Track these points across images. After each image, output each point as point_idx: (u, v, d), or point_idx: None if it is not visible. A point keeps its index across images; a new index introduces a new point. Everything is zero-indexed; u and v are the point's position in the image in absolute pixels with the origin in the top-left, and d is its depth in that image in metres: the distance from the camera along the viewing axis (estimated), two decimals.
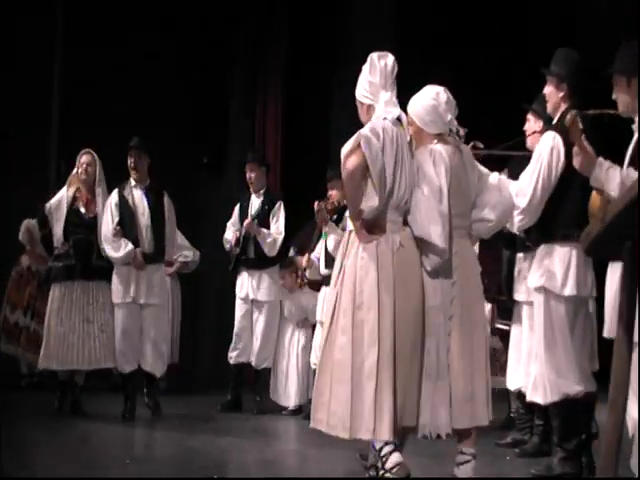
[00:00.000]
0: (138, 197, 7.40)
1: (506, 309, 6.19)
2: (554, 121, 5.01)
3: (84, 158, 7.36)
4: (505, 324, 6.51)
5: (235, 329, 8.13)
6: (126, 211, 7.32)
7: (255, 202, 8.16)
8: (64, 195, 7.34)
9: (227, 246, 8.13)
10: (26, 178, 9.25)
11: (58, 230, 7.25)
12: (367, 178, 4.31)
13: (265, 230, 7.96)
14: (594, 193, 4.32)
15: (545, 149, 4.80)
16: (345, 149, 4.30)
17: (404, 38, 10.13)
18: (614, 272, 4.02)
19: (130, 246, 7.20)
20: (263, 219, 8.02)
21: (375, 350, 4.20)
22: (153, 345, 7.37)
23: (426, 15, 10.21)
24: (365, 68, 4.47)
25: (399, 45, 10.41)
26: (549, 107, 5.10)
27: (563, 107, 4.97)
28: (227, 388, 8.08)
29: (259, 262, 8.02)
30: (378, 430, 4.21)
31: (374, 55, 4.44)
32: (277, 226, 8.04)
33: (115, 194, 7.37)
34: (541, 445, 5.74)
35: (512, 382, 5.92)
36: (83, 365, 7.14)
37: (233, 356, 8.09)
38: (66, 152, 9.38)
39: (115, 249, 7.19)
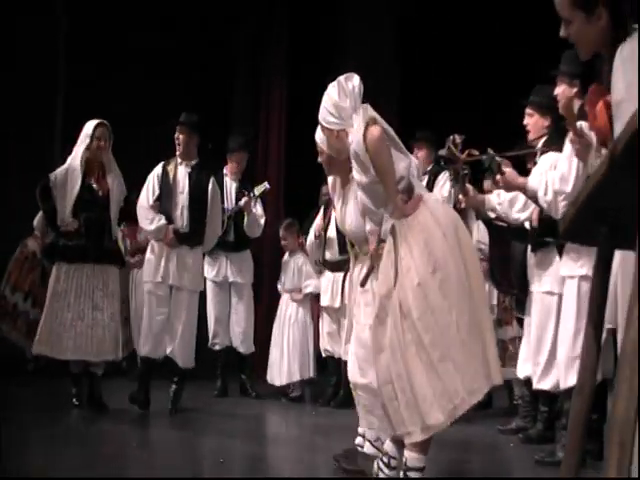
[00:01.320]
0: (181, 174, 7.00)
1: (520, 303, 6.17)
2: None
3: (100, 131, 6.81)
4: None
5: (213, 314, 8.07)
6: (165, 186, 6.96)
7: (230, 186, 8.15)
8: (72, 168, 6.77)
9: None
10: (29, 177, 9.15)
11: (66, 205, 6.69)
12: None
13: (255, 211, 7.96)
14: None
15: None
16: (358, 133, 4.13)
17: (403, 37, 10.13)
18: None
19: (163, 221, 6.83)
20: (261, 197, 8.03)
21: (466, 304, 3.92)
22: (180, 333, 6.86)
23: (426, 14, 10.13)
24: (332, 93, 4.30)
25: (398, 45, 10.51)
26: (561, 106, 5.08)
27: (577, 104, 4.98)
28: (212, 374, 8.02)
29: (239, 244, 8.02)
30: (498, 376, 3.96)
31: (341, 78, 4.30)
32: (257, 208, 8.01)
33: (159, 167, 7.04)
34: (545, 431, 5.76)
35: (522, 370, 5.92)
36: (90, 356, 6.65)
37: (218, 342, 8.08)
38: (70, 149, 9.50)
39: (148, 221, 6.86)
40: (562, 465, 2.26)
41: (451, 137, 5.23)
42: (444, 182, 7.02)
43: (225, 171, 8.20)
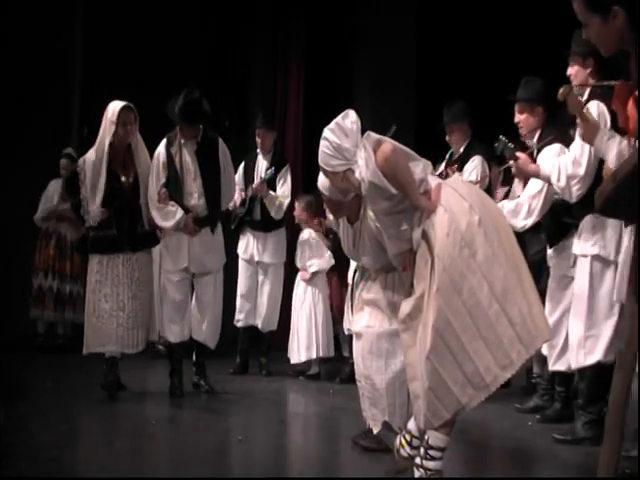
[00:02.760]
0: (188, 158, 6.61)
1: None
2: (584, 98, 4.98)
3: (125, 115, 6.45)
4: None
5: (240, 291, 8.10)
6: (173, 173, 6.57)
7: (262, 164, 8.13)
8: (97, 158, 6.44)
9: (230, 205, 7.71)
10: (49, 146, 9.32)
11: (95, 196, 6.41)
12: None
13: (273, 193, 7.94)
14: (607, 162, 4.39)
15: (593, 116, 4.78)
16: (370, 163, 4.05)
17: (422, 24, 10.10)
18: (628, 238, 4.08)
19: (180, 213, 6.51)
20: (270, 181, 7.97)
21: (502, 270, 3.88)
22: (208, 315, 6.79)
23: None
24: (331, 137, 4.18)
25: (417, 29, 10.46)
26: (561, 94, 5.07)
27: (591, 82, 5.00)
28: (234, 351, 8.08)
29: (265, 224, 8.01)
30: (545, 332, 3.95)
31: (338, 120, 4.19)
32: (283, 190, 8.02)
33: (163, 151, 6.59)
34: (563, 410, 5.78)
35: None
36: (129, 348, 6.49)
37: (241, 319, 8.09)
38: (89, 117, 9.48)
39: (164, 217, 6.49)
40: (604, 442, 2.26)
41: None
42: (472, 170, 6.93)
43: (258, 150, 8.21)
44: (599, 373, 4.93)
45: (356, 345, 4.82)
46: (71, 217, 8.48)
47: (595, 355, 4.96)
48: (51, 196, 9.17)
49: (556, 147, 5.62)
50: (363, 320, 4.76)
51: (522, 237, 5.68)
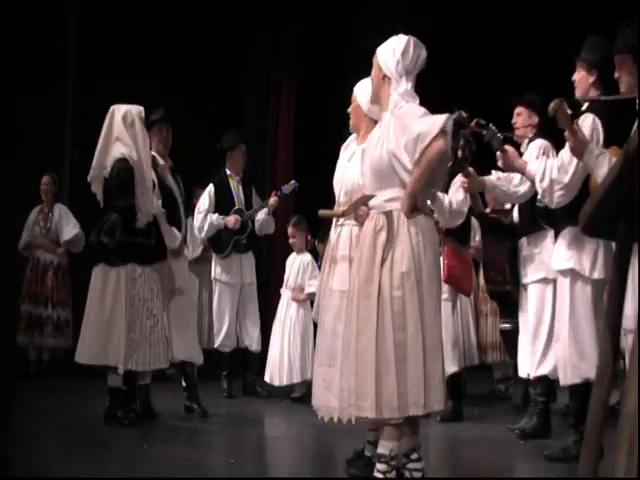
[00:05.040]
0: (170, 180, 6.64)
1: (508, 306, 6.21)
2: (584, 107, 5.01)
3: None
4: (507, 322, 6.55)
5: (227, 315, 7.99)
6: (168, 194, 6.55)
7: (237, 186, 8.09)
8: (139, 156, 6.14)
9: (209, 232, 7.88)
10: (41, 164, 9.30)
11: (147, 200, 6.06)
12: None
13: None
14: (593, 176, 4.42)
15: (586, 129, 4.81)
16: (433, 129, 3.95)
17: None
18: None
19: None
20: (249, 201, 8.01)
21: (439, 324, 4.05)
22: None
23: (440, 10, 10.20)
24: (399, 44, 4.16)
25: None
26: (578, 93, 5.13)
27: (593, 93, 5.02)
28: (210, 375, 7.93)
29: (249, 245, 8.03)
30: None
31: (412, 40, 4.18)
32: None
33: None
34: (540, 425, 5.78)
35: (523, 369, 5.95)
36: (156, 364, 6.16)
37: (228, 344, 8.02)
38: (80, 139, 9.51)
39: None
40: (581, 459, 2.28)
41: (457, 112, 5.28)
42: (459, 185, 6.93)
43: (228, 172, 8.09)
44: (588, 391, 4.91)
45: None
46: (46, 243, 8.83)
47: (583, 372, 4.94)
48: (32, 225, 9.11)
49: (542, 142, 5.65)
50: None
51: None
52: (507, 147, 5.16)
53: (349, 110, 4.87)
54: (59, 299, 8.99)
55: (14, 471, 4.26)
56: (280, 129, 10.43)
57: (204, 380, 7.23)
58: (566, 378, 5.03)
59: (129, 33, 9.72)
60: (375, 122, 4.46)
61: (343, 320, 4.38)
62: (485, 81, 9.76)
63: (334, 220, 4.85)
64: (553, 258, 5.17)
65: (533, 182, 4.98)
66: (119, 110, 6.20)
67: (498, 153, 5.16)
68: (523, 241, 5.82)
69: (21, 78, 9.29)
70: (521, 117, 6.00)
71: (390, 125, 4.09)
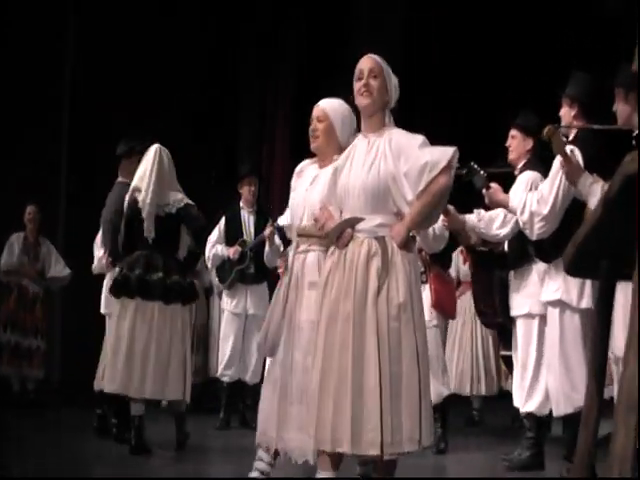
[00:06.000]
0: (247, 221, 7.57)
1: (506, 335, 6.21)
2: (569, 138, 5.07)
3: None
4: (508, 350, 6.56)
5: (230, 346, 7.98)
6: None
7: (248, 218, 8.11)
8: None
9: (214, 262, 7.99)
10: (38, 193, 9.27)
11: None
12: None
13: (278, 241, 7.84)
14: (589, 206, 4.43)
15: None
16: (442, 161, 3.86)
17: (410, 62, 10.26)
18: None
19: None
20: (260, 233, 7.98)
21: (428, 356, 3.98)
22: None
23: (432, 31, 10.30)
24: (395, 77, 4.13)
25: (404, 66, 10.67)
26: (546, 132, 5.16)
27: (577, 125, 5.08)
28: (216, 406, 7.97)
29: (258, 276, 8.01)
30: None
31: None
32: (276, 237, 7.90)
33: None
34: (531, 458, 5.72)
35: (515, 400, 5.95)
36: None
37: (229, 374, 7.98)
38: (77, 167, 9.55)
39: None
40: None
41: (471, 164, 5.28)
42: None
43: (241, 204, 8.12)
44: (580, 420, 4.95)
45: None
46: (32, 273, 8.78)
47: (575, 402, 4.95)
48: (19, 253, 9.02)
49: (530, 175, 5.66)
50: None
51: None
52: (492, 184, 5.18)
53: (316, 128, 4.58)
54: (44, 329, 8.99)
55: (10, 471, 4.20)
56: (276, 161, 10.45)
57: (209, 410, 7.27)
58: (559, 408, 5.06)
59: (127, 60, 9.84)
60: (341, 149, 4.34)
61: (312, 354, 4.11)
62: (483, 89, 9.86)
63: (294, 245, 4.59)
64: (543, 290, 5.21)
65: (515, 213, 5.03)
66: (164, 150, 6.28)
67: (483, 190, 5.17)
68: (511, 274, 5.84)
69: (17, 107, 9.37)
70: (515, 140, 5.94)
71: (386, 148, 3.94)
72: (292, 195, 4.68)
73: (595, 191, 4.26)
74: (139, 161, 6.35)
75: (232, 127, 10.64)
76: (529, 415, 5.65)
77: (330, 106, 4.57)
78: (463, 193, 5.41)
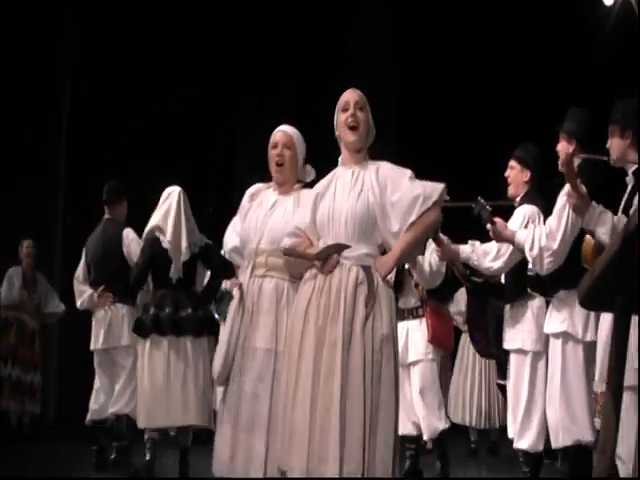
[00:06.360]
0: None
1: (501, 364, 6.22)
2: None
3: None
4: (503, 379, 6.57)
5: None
6: None
7: None
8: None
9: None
10: (33, 226, 9.29)
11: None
12: None
13: None
14: (587, 237, 4.47)
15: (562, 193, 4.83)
16: (434, 194, 3.84)
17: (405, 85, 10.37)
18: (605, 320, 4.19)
19: None
20: None
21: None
22: None
23: (429, 45, 10.43)
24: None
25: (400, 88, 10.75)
26: (560, 162, 5.21)
27: (576, 161, 5.11)
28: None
29: None
30: None
31: None
32: None
33: None
34: None
35: (510, 432, 5.96)
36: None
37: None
38: (73, 205, 9.56)
39: None
40: None
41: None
42: (434, 248, 6.90)
43: None
44: (580, 453, 4.95)
45: None
46: (31, 308, 8.78)
47: (573, 435, 4.97)
48: (12, 283, 8.98)
49: (527, 209, 5.69)
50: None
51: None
52: (496, 219, 5.21)
53: (282, 154, 4.45)
54: (41, 364, 8.99)
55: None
56: None
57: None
58: (558, 441, 5.04)
59: (118, 92, 9.88)
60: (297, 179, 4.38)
61: (265, 381, 4.08)
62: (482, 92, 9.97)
63: (249, 269, 4.35)
64: (546, 322, 5.23)
65: (523, 251, 5.03)
66: (184, 193, 6.44)
67: (488, 225, 5.19)
68: (507, 307, 5.85)
69: (14, 138, 9.43)
70: (513, 171, 5.95)
71: (372, 179, 3.88)
72: (246, 217, 4.47)
73: (604, 220, 4.24)
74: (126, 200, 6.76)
75: (232, 127, 10.68)
76: (523, 452, 5.65)
77: (295, 134, 4.52)
78: (468, 225, 5.52)
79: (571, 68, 9.64)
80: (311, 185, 4.29)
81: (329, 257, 3.80)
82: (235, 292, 4.36)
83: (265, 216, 4.36)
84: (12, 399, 8.79)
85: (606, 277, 2.33)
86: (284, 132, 4.50)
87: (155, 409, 6.16)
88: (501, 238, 5.18)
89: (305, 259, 3.91)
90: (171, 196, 6.39)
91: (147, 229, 6.36)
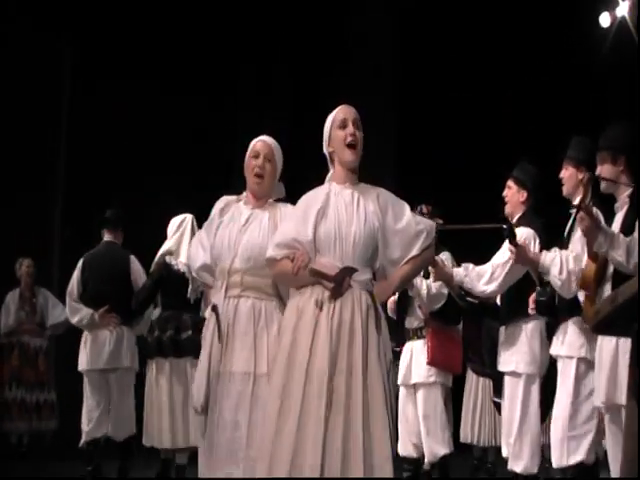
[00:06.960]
0: None
1: (497, 384, 6.21)
2: (575, 202, 5.05)
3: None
4: (499, 397, 6.55)
5: None
6: None
7: None
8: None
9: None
10: (30, 245, 9.21)
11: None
12: None
13: None
14: (588, 260, 4.47)
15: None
16: (432, 233, 3.88)
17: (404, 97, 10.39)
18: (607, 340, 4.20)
19: None
20: None
21: None
22: None
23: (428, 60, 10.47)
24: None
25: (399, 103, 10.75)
26: (566, 189, 5.21)
27: (581, 191, 5.12)
28: None
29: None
30: None
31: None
32: None
33: None
34: None
35: (505, 451, 5.94)
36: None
37: None
38: (71, 219, 9.55)
39: None
40: None
41: (419, 207, 5.28)
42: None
43: None
44: (582, 473, 4.96)
45: None
46: (32, 328, 8.75)
47: (577, 456, 4.93)
48: (15, 310, 8.94)
49: (523, 231, 5.68)
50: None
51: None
52: (520, 242, 5.14)
53: (263, 166, 4.19)
54: (50, 381, 8.92)
55: None
56: None
57: None
58: (561, 460, 5.03)
59: (115, 108, 9.85)
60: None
61: (244, 409, 3.88)
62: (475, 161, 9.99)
63: (223, 290, 4.06)
64: (553, 344, 5.20)
65: (546, 274, 4.97)
66: (194, 218, 6.57)
67: (513, 249, 5.16)
68: (502, 328, 5.84)
69: (11, 159, 9.42)
70: (510, 191, 5.95)
71: (373, 204, 3.81)
72: (217, 233, 4.16)
73: (618, 243, 4.25)
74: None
75: (232, 128, 10.70)
76: (517, 475, 5.64)
77: (276, 147, 4.27)
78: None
79: (571, 68, 9.66)
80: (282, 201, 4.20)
81: (343, 280, 3.70)
82: (207, 314, 4.12)
83: (239, 232, 4.10)
84: (20, 420, 8.75)
85: (630, 305, 2.35)
86: (265, 143, 4.25)
87: (162, 430, 6.32)
88: (525, 261, 5.17)
89: (327, 281, 3.71)
90: (185, 222, 6.55)
91: (159, 254, 6.50)
